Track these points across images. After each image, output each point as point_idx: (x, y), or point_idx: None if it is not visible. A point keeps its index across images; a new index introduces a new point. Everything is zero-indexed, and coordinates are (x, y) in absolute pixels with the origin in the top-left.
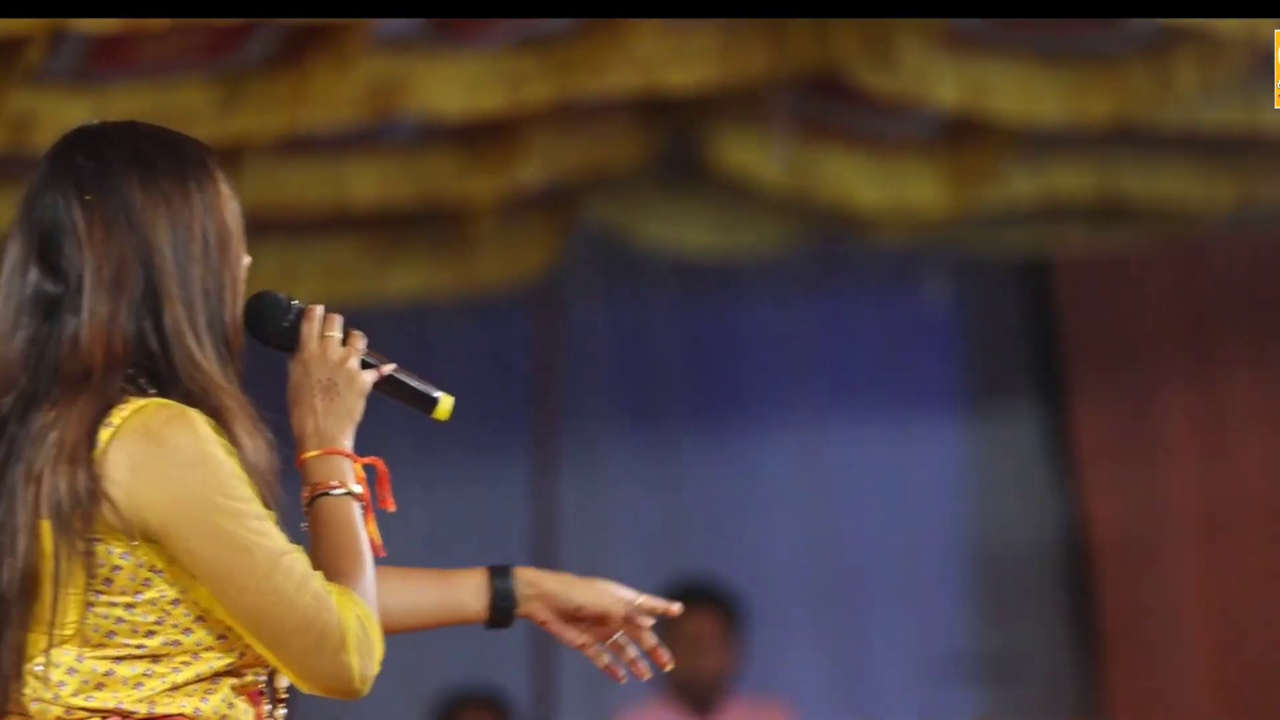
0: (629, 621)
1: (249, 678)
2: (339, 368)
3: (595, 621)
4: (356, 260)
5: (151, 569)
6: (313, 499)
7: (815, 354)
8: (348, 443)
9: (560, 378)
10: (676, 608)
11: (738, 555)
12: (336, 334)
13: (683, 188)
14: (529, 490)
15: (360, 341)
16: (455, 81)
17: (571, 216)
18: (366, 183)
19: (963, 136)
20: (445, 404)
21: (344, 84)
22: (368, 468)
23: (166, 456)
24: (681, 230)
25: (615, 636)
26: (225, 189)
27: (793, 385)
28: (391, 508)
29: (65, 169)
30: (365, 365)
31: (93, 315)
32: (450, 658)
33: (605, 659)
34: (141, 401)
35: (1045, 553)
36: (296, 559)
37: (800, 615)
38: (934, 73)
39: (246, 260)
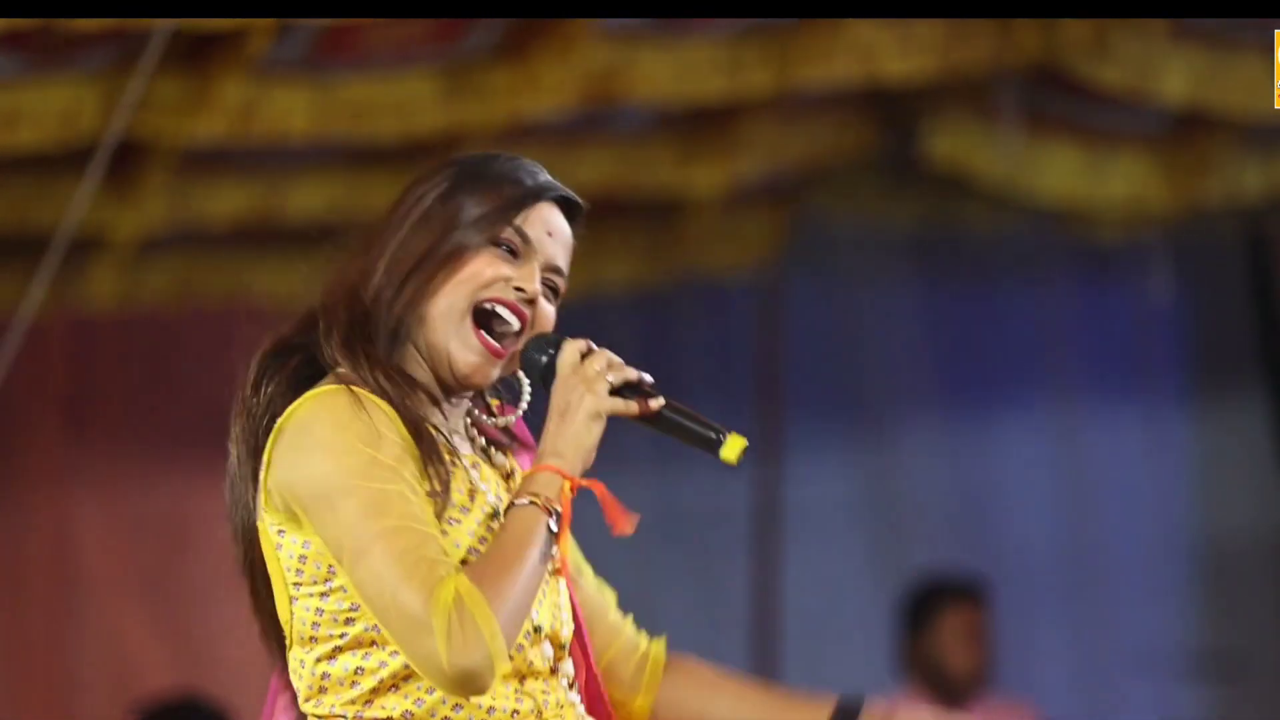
0: None
1: None
2: (576, 391)
3: None
4: (576, 249)
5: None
6: (508, 509)
7: (1037, 344)
8: (568, 464)
9: (783, 367)
10: None
11: (966, 548)
12: (590, 362)
13: (902, 179)
14: (752, 479)
15: (615, 373)
16: (675, 70)
17: (792, 206)
18: (587, 172)
19: (1187, 130)
20: (733, 446)
21: (565, 73)
22: (586, 491)
23: (299, 437)
24: (903, 220)
25: None
26: (458, 199)
27: (1018, 375)
28: (623, 532)
29: None
30: (625, 396)
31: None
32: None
33: None
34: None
35: (1273, 545)
36: (401, 538)
37: (1038, 609)
38: (1159, 66)
39: (489, 268)
